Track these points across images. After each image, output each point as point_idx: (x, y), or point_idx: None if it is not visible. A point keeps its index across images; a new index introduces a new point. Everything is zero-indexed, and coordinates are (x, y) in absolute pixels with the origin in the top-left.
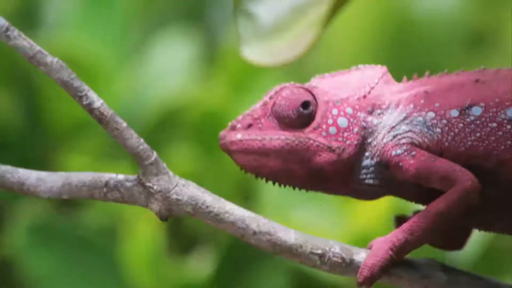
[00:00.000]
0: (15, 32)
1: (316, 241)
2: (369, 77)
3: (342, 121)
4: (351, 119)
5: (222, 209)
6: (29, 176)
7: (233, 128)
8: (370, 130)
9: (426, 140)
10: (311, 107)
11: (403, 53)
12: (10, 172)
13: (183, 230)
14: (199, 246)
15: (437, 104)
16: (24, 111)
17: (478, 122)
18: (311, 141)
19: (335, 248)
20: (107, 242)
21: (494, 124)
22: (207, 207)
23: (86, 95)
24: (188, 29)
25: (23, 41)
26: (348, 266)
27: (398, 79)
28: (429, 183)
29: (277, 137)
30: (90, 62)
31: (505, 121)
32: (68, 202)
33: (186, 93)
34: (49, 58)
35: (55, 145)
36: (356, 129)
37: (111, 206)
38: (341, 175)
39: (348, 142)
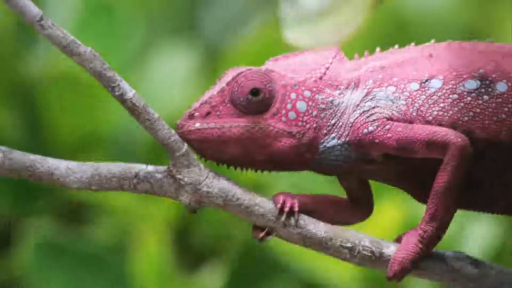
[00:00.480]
0: (49, 21)
1: (346, 234)
2: (323, 57)
3: (301, 105)
4: (310, 102)
5: (252, 201)
6: (59, 166)
7: (191, 116)
8: (331, 111)
9: (394, 112)
10: (261, 94)
11: None
12: (39, 161)
13: (192, 245)
14: (208, 261)
15: (395, 79)
16: (25, 127)
17: (439, 93)
18: (271, 127)
19: (365, 241)
20: (116, 258)
21: (456, 96)
22: (237, 199)
23: (118, 85)
24: (187, 39)
25: (56, 30)
26: (377, 259)
27: None
28: (415, 153)
29: (237, 125)
30: (90, 76)
31: (465, 93)
32: (75, 219)
33: (188, 104)
34: (83, 48)
35: None
36: (315, 112)
37: (120, 222)
38: (303, 157)
39: (307, 126)
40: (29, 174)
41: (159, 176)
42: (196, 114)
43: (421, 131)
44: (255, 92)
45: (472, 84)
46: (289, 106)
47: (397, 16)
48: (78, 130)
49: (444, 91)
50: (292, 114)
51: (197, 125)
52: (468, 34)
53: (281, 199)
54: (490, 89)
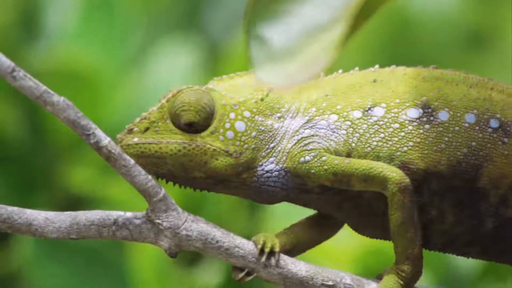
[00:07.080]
0: (20, 72)
1: (327, 272)
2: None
3: (240, 125)
4: (249, 123)
5: (232, 243)
6: (37, 216)
7: (130, 131)
8: (270, 134)
9: (332, 143)
10: (208, 109)
11: (401, 53)
12: (17, 213)
13: None
14: (207, 257)
15: (338, 107)
16: (26, 123)
17: (381, 122)
18: (208, 145)
19: (346, 279)
20: (115, 254)
21: (396, 125)
22: (217, 241)
23: (93, 133)
24: (188, 36)
25: (29, 81)
26: None
27: None
28: (352, 186)
29: (174, 141)
30: (91, 73)
31: (407, 122)
32: None
33: None
34: (56, 98)
35: (57, 157)
36: (254, 133)
37: None
38: (241, 178)
39: (245, 146)
40: (7, 226)
41: (137, 221)
42: (136, 129)
43: (358, 165)
44: (203, 108)
45: (414, 113)
46: (227, 125)
47: (401, 16)
48: None
49: (386, 119)
50: (230, 134)
51: (135, 139)
52: (472, 34)
53: (261, 240)
54: (432, 118)
